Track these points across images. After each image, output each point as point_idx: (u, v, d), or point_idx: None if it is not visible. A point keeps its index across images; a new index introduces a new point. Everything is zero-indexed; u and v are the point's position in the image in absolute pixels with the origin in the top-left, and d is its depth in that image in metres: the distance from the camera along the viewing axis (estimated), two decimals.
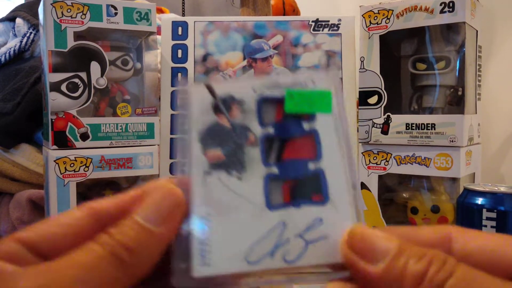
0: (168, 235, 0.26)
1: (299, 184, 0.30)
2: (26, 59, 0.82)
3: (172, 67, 0.73)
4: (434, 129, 0.72)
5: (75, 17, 0.65)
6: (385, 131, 0.76)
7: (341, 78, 0.71)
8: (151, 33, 0.71)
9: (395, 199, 0.81)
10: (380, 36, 0.77)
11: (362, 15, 0.78)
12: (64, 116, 0.65)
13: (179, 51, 0.73)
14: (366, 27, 0.78)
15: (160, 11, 1.07)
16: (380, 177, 0.78)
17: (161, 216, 0.25)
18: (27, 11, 0.83)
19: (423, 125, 0.73)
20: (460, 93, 0.75)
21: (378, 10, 0.76)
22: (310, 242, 0.27)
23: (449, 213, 0.74)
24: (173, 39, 0.73)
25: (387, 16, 0.76)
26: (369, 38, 0.77)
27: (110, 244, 0.23)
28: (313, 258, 0.27)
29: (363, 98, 0.78)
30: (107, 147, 0.67)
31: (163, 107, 0.72)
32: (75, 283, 0.21)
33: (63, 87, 0.65)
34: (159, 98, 0.72)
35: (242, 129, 0.31)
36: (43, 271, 0.22)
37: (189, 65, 0.72)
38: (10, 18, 0.85)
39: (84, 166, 0.65)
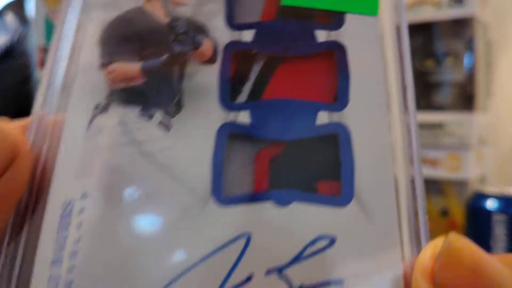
0: None
1: (292, 156, 0.18)
2: (16, 56, 0.81)
3: None
4: (443, 128, 0.70)
5: None
6: None
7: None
8: None
9: None
10: None
11: None
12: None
13: None
14: None
15: None
16: None
17: None
18: (18, 7, 0.82)
19: (431, 124, 0.71)
20: (470, 90, 0.73)
21: None
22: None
23: (458, 216, 0.72)
24: None
25: None
26: None
27: None
28: None
29: None
30: None
31: None
32: None
33: None
34: None
35: (189, 28, 0.20)
36: None
37: None
38: (0, 14, 0.84)
39: None
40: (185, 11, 0.20)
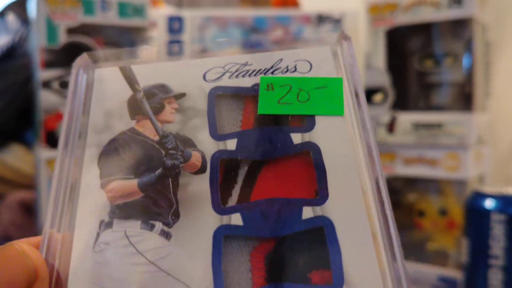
0: None
1: (284, 250, 0.19)
2: (18, 56, 0.80)
3: None
4: (442, 128, 0.70)
5: (68, 12, 0.63)
6: (391, 130, 0.74)
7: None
8: (146, 28, 0.69)
9: (401, 202, 0.79)
10: (385, 31, 0.74)
11: (366, 9, 0.76)
12: (55, 115, 0.63)
13: (175, 47, 0.71)
14: (371, 21, 0.75)
15: (155, 3, 1.05)
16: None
17: None
18: (19, 7, 0.82)
19: (430, 124, 0.71)
20: (468, 90, 0.72)
21: (384, 4, 0.74)
22: None
23: (457, 216, 0.72)
24: (169, 34, 0.71)
25: (392, 11, 0.73)
26: (374, 33, 0.75)
27: None
28: None
29: (368, 95, 0.76)
30: None
31: None
32: None
33: (55, 85, 0.63)
34: None
35: (179, 144, 0.22)
36: None
37: None
38: (1, 14, 0.84)
39: None
40: (172, 128, 0.22)
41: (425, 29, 0.75)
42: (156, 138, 0.22)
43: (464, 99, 0.74)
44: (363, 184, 0.19)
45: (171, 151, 0.22)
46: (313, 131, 0.21)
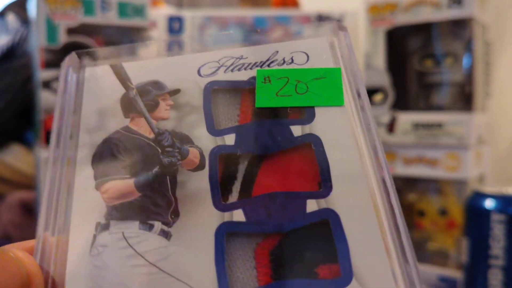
0: None
1: (289, 245, 0.18)
2: (18, 56, 0.80)
3: None
4: (442, 128, 0.70)
5: (68, 12, 0.63)
6: (390, 130, 0.74)
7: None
8: (146, 28, 0.69)
9: (401, 202, 0.78)
10: (385, 31, 0.74)
11: (366, 10, 0.76)
12: None
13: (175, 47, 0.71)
14: (371, 22, 0.75)
15: (155, 3, 1.05)
16: None
17: None
18: (19, 7, 0.82)
19: (430, 124, 0.71)
20: (468, 90, 0.72)
21: (383, 4, 0.74)
22: None
23: (457, 216, 0.72)
24: (169, 34, 0.71)
25: (392, 11, 0.73)
26: (373, 33, 0.75)
27: None
28: None
29: (368, 95, 0.76)
30: None
31: None
32: None
33: (55, 85, 0.63)
34: None
35: (175, 141, 0.21)
36: None
37: None
38: (1, 14, 0.84)
39: None
40: (168, 125, 0.22)
41: (425, 29, 0.75)
42: (152, 136, 0.22)
43: (464, 99, 0.74)
44: (367, 174, 0.19)
45: (167, 149, 0.21)
46: (313, 122, 0.21)
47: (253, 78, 0.23)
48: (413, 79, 0.79)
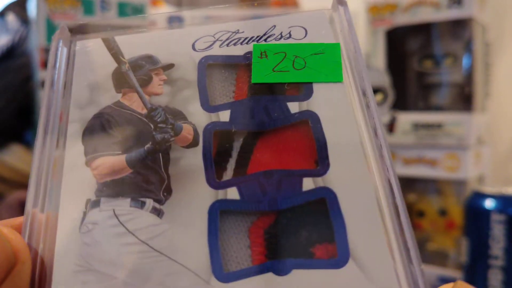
0: None
1: (285, 224, 0.18)
2: (17, 56, 0.80)
3: None
4: (442, 129, 0.70)
5: (67, 12, 0.63)
6: (390, 131, 0.74)
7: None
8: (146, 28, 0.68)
9: None
10: (385, 31, 0.74)
11: (366, 10, 0.76)
12: None
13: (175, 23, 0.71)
14: (371, 22, 0.75)
15: (155, 3, 1.05)
16: None
17: None
18: (19, 7, 0.82)
19: (430, 124, 0.71)
20: (468, 91, 0.72)
21: (383, 5, 0.74)
22: None
23: (457, 216, 0.72)
24: None
25: (392, 11, 0.73)
26: (373, 33, 0.75)
27: None
28: None
29: None
30: None
31: None
32: None
33: None
34: None
35: (168, 117, 0.21)
36: None
37: None
38: (1, 14, 0.84)
39: None
40: (161, 100, 0.21)
41: (424, 30, 0.75)
42: (144, 111, 0.21)
43: (464, 99, 0.74)
44: (366, 152, 0.19)
45: (160, 125, 0.21)
46: (311, 99, 0.20)
47: (249, 53, 0.22)
48: (412, 80, 0.79)
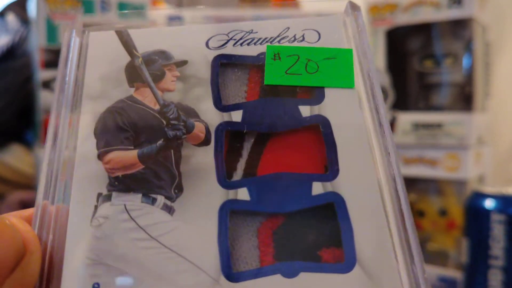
0: None
1: (293, 226, 0.18)
2: (18, 56, 0.80)
3: None
4: (442, 128, 0.70)
5: (68, 12, 0.63)
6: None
7: None
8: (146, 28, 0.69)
9: None
10: (385, 31, 0.74)
11: (366, 10, 0.76)
12: None
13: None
14: (371, 22, 0.75)
15: (155, 3, 1.05)
16: None
17: None
18: (19, 7, 0.81)
19: (430, 124, 0.71)
20: (468, 91, 0.72)
21: (383, 4, 0.74)
22: None
23: (457, 216, 0.72)
24: None
25: (392, 11, 0.73)
26: (373, 33, 0.75)
27: None
28: None
29: None
30: None
31: None
32: None
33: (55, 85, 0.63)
34: None
35: (181, 114, 0.21)
36: None
37: None
38: (1, 14, 0.84)
39: None
40: (173, 97, 0.21)
41: (425, 29, 0.75)
42: (157, 107, 0.21)
43: (464, 99, 0.74)
44: (375, 158, 0.19)
45: (172, 121, 0.21)
46: (322, 103, 0.20)
47: (263, 54, 0.22)
48: (413, 79, 0.79)
